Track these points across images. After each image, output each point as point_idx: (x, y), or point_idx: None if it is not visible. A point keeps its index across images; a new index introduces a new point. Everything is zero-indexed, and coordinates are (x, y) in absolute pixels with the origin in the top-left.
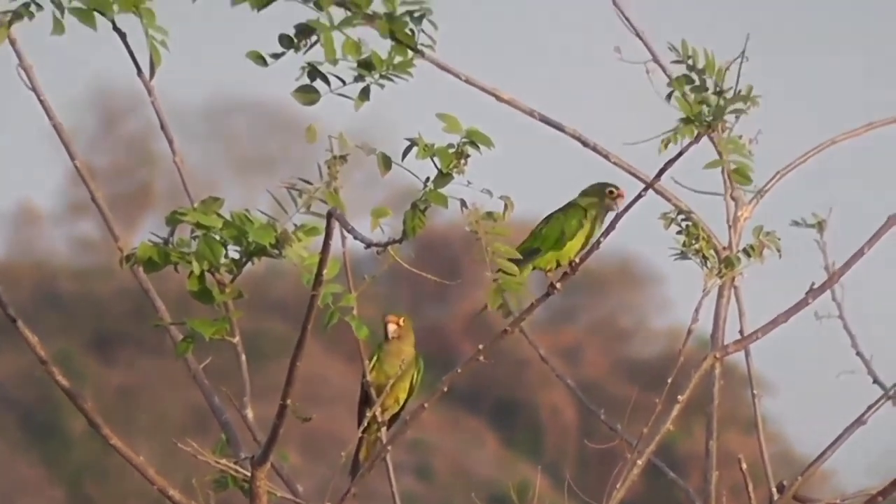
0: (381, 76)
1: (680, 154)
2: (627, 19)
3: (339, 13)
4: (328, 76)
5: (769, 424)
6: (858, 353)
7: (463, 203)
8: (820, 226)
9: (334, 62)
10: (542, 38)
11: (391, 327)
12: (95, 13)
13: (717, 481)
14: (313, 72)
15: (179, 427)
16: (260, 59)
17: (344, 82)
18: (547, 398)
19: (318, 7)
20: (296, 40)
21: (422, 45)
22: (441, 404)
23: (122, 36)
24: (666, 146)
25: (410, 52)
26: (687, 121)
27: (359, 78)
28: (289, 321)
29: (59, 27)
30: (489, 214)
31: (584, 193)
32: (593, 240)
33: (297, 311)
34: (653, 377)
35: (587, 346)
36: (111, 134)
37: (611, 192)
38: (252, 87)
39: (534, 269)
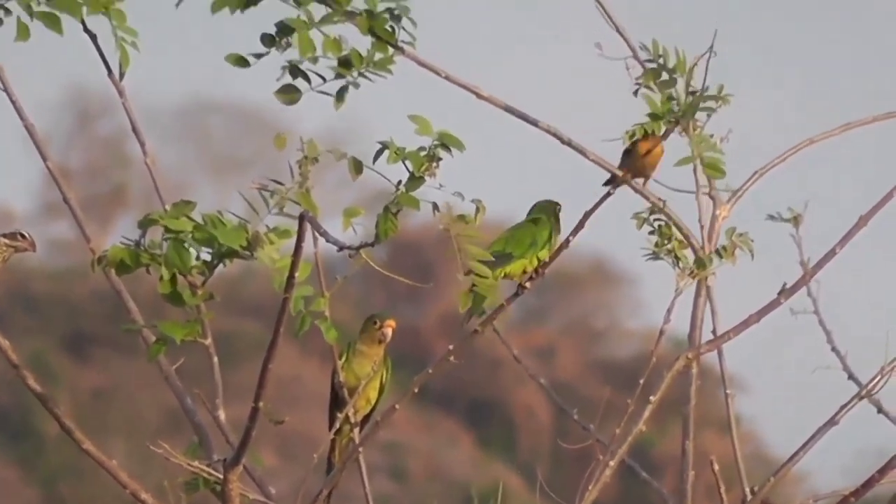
0: (361, 74)
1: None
2: (608, 15)
3: (319, 11)
4: (308, 74)
5: (744, 424)
6: (834, 350)
7: (435, 206)
8: (796, 220)
9: (314, 60)
10: (522, 34)
11: (389, 331)
12: (65, 15)
13: (693, 482)
14: (294, 70)
15: (153, 428)
16: (241, 61)
17: (325, 80)
18: (521, 398)
19: (298, 4)
20: (277, 39)
21: (402, 41)
22: (415, 405)
23: (93, 37)
24: (630, 138)
25: (391, 49)
26: (654, 116)
27: (339, 76)
28: (262, 323)
29: (24, 33)
30: (461, 217)
31: (540, 210)
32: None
33: (270, 313)
34: (626, 377)
35: (560, 346)
36: (86, 135)
37: (558, 208)
38: (226, 88)
39: (504, 275)
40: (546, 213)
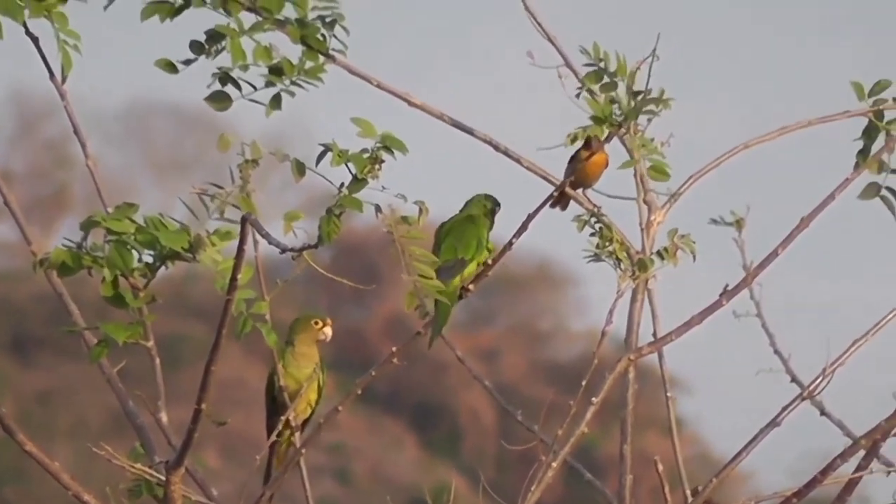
0: (292, 82)
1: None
2: (539, 24)
3: (250, 18)
4: (239, 81)
5: (688, 426)
6: (777, 352)
7: (378, 208)
8: (738, 224)
9: (245, 67)
10: (454, 43)
11: (330, 331)
12: (6, 18)
13: (637, 484)
14: (224, 77)
15: (98, 431)
16: (170, 67)
17: (255, 88)
18: (466, 400)
19: (228, 13)
20: (206, 46)
21: (333, 50)
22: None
23: (35, 40)
24: (572, 142)
25: (322, 58)
26: (597, 120)
27: (270, 84)
28: (205, 325)
29: None
30: (405, 219)
31: (472, 204)
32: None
33: (213, 316)
34: (571, 379)
35: (505, 347)
36: (28, 137)
37: (496, 210)
38: (170, 91)
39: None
40: (479, 208)
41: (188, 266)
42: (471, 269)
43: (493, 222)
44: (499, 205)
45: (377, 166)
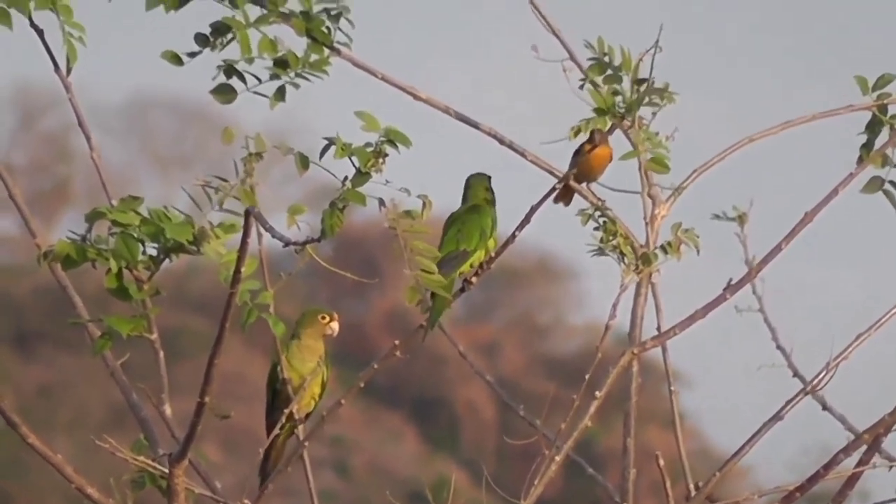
0: (297, 74)
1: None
2: (544, 18)
3: (255, 11)
4: (244, 74)
5: (689, 420)
6: (779, 347)
7: (381, 202)
8: (741, 219)
9: (250, 60)
10: (457, 37)
11: (337, 326)
12: (12, 10)
13: (638, 478)
14: (229, 70)
15: (99, 424)
16: (175, 59)
17: (260, 80)
18: (465, 395)
19: (234, 5)
20: (212, 39)
21: (338, 42)
22: (360, 401)
23: (40, 33)
24: (576, 134)
25: (327, 51)
26: (600, 111)
27: (274, 76)
28: (208, 319)
29: None
30: (408, 213)
31: (472, 189)
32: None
33: (216, 309)
34: (571, 373)
35: (505, 342)
36: (30, 130)
37: (489, 181)
38: (172, 84)
39: (459, 274)
40: (480, 194)
41: (190, 259)
42: (474, 259)
43: (494, 200)
44: (489, 179)
45: (381, 160)
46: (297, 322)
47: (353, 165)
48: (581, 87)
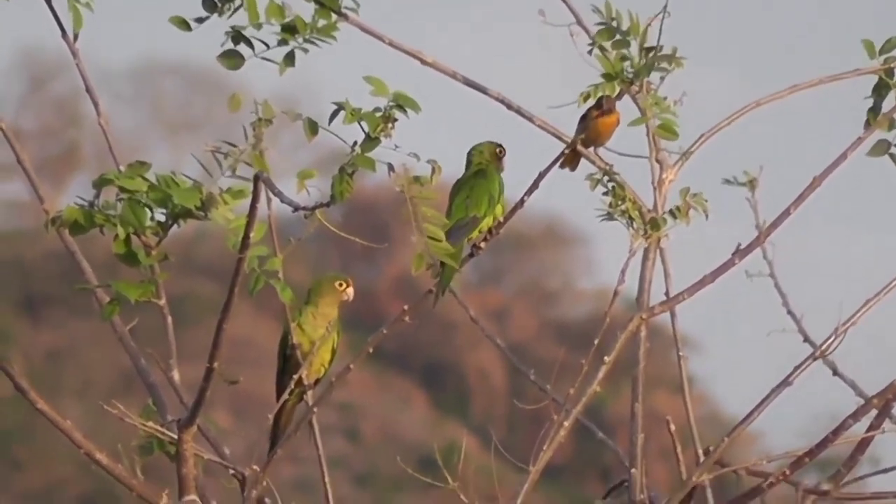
0: (305, 40)
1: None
2: None
3: None
4: (252, 40)
5: (698, 386)
6: (789, 312)
7: (390, 167)
8: (751, 184)
9: (258, 26)
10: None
11: (352, 291)
12: None
13: (646, 443)
14: (237, 36)
15: (107, 389)
16: (183, 24)
17: (268, 46)
18: (475, 360)
19: None
20: (219, 4)
21: (346, 8)
22: (370, 366)
23: None
24: (585, 100)
25: (334, 16)
26: (608, 77)
27: (282, 42)
28: (216, 284)
29: None
30: (417, 179)
31: (478, 154)
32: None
33: (224, 275)
34: (580, 338)
35: (514, 307)
36: (39, 96)
37: (500, 151)
38: (180, 49)
39: (468, 240)
40: (486, 159)
41: (198, 225)
42: (483, 225)
43: (502, 167)
44: (502, 147)
45: (390, 125)
46: (311, 288)
47: (363, 131)
48: (590, 52)
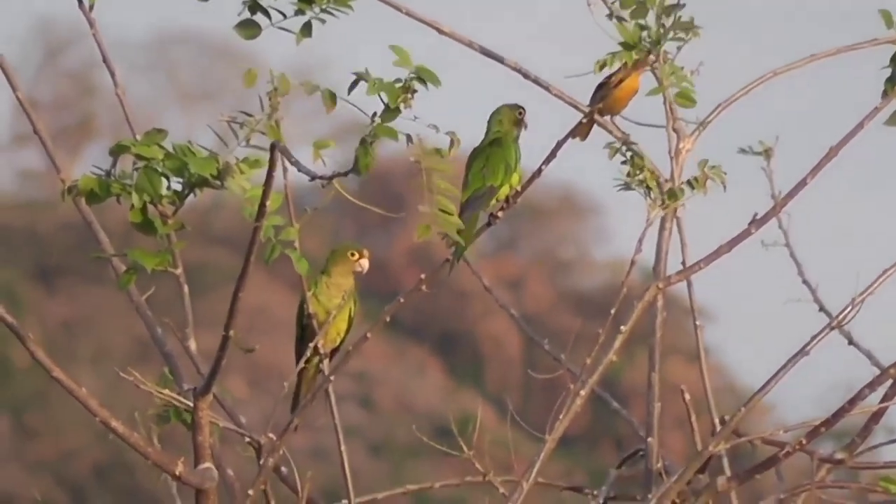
0: (322, 10)
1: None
2: None
3: None
4: (269, 10)
5: (714, 355)
6: (805, 282)
7: (409, 138)
8: (767, 153)
9: None
10: None
11: (367, 263)
12: None
13: (662, 412)
14: (254, 6)
15: (123, 358)
16: None
17: (285, 16)
18: (490, 329)
19: None
20: None
21: None
22: (385, 336)
23: None
24: (601, 68)
25: None
26: (627, 46)
27: (299, 12)
28: (232, 253)
29: None
30: (436, 150)
31: (497, 122)
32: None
33: (240, 244)
34: (596, 308)
35: (529, 277)
36: (54, 66)
37: (520, 113)
38: (195, 19)
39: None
40: (505, 128)
41: (214, 194)
42: (501, 194)
43: (519, 133)
44: (522, 109)
45: (410, 96)
46: (327, 259)
47: (382, 101)
48: (610, 16)
